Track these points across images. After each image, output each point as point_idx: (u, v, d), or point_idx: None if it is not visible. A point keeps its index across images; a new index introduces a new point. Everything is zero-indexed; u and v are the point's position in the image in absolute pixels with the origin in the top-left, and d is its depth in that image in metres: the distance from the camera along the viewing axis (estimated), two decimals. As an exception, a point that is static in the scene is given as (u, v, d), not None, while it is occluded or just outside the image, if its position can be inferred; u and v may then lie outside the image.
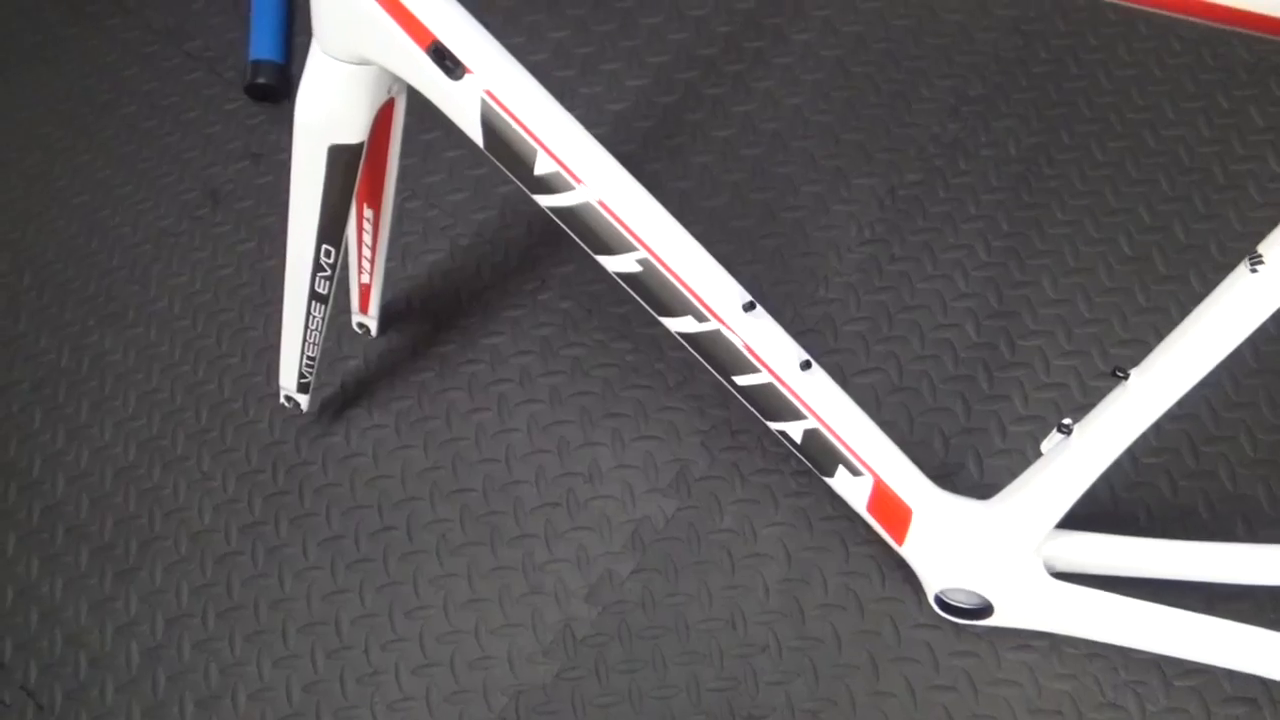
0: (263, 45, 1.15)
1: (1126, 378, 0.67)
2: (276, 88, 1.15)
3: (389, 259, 0.97)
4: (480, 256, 1.09)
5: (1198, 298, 0.64)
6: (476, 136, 0.65)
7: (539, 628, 0.92)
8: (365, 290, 0.99)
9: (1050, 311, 1.01)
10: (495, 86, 0.63)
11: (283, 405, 0.98)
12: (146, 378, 1.07)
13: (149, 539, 0.99)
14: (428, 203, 1.10)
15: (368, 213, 0.87)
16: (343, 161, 0.73)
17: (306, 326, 0.87)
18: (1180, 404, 0.65)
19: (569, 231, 0.68)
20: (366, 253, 0.92)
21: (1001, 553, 0.80)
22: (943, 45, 1.14)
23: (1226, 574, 0.80)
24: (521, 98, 0.64)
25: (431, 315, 1.07)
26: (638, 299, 0.70)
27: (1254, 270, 0.59)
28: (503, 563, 0.95)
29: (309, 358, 0.91)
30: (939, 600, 0.86)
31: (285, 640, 0.94)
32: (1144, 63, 1.11)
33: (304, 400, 0.97)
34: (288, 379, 0.94)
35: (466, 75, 0.62)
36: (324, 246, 0.79)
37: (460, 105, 0.64)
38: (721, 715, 0.87)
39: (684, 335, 0.71)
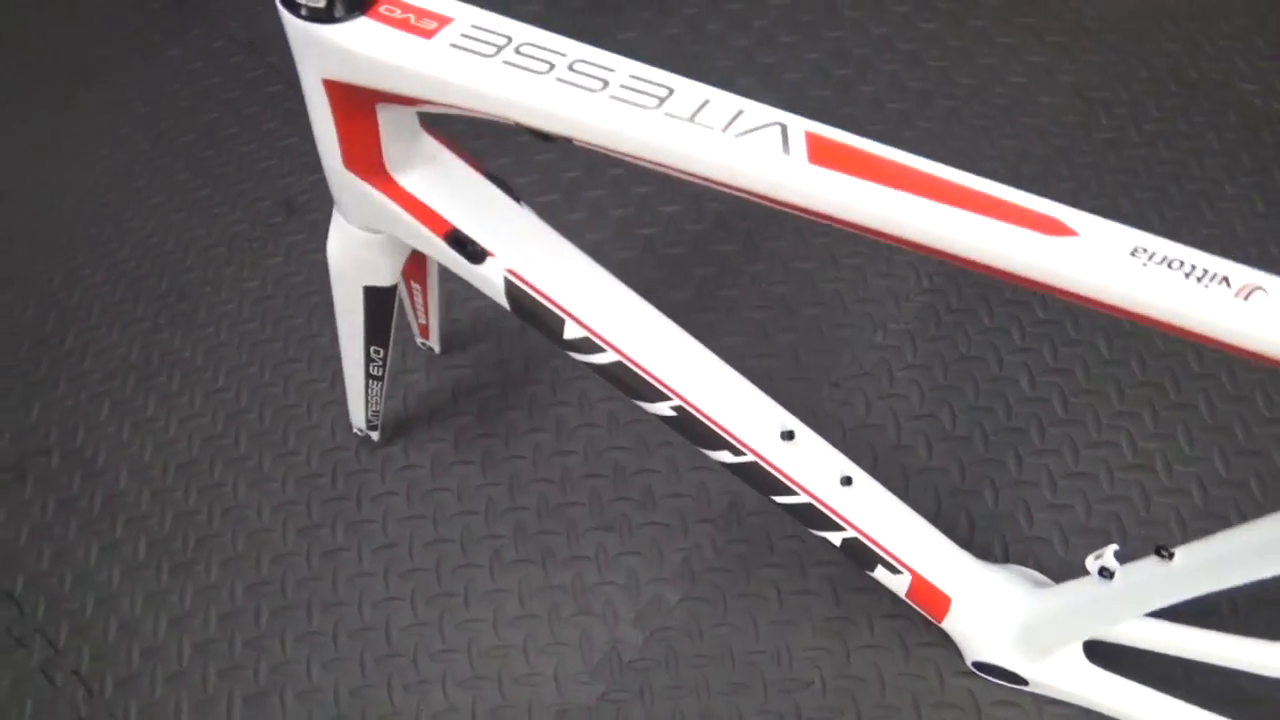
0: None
1: (1171, 557, 0.65)
2: (357, 105, 1.18)
3: (451, 280, 0.99)
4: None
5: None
6: (503, 304, 0.68)
7: (586, 648, 0.94)
8: (424, 328, 1.02)
9: (1103, 371, 1.03)
10: (518, 265, 0.65)
11: (354, 433, 1.02)
12: (213, 377, 1.09)
13: (207, 535, 1.01)
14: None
15: (415, 286, 0.92)
16: (378, 298, 0.76)
17: (368, 394, 0.91)
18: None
19: (603, 380, 0.70)
20: (419, 308, 0.96)
21: (1040, 644, 0.81)
22: (1005, 105, 1.17)
23: (1258, 666, 0.81)
24: (545, 274, 0.66)
25: (494, 335, 1.09)
26: (681, 434, 0.72)
27: None
28: (553, 582, 0.97)
29: (374, 410, 0.95)
30: (976, 664, 0.87)
31: (335, 643, 0.95)
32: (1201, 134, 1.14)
33: (375, 434, 1.00)
34: (357, 421, 0.99)
35: (489, 258, 0.65)
36: (373, 347, 0.83)
37: (485, 281, 0.66)
38: (763, 748, 0.89)
39: (724, 465, 0.73)
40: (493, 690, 0.92)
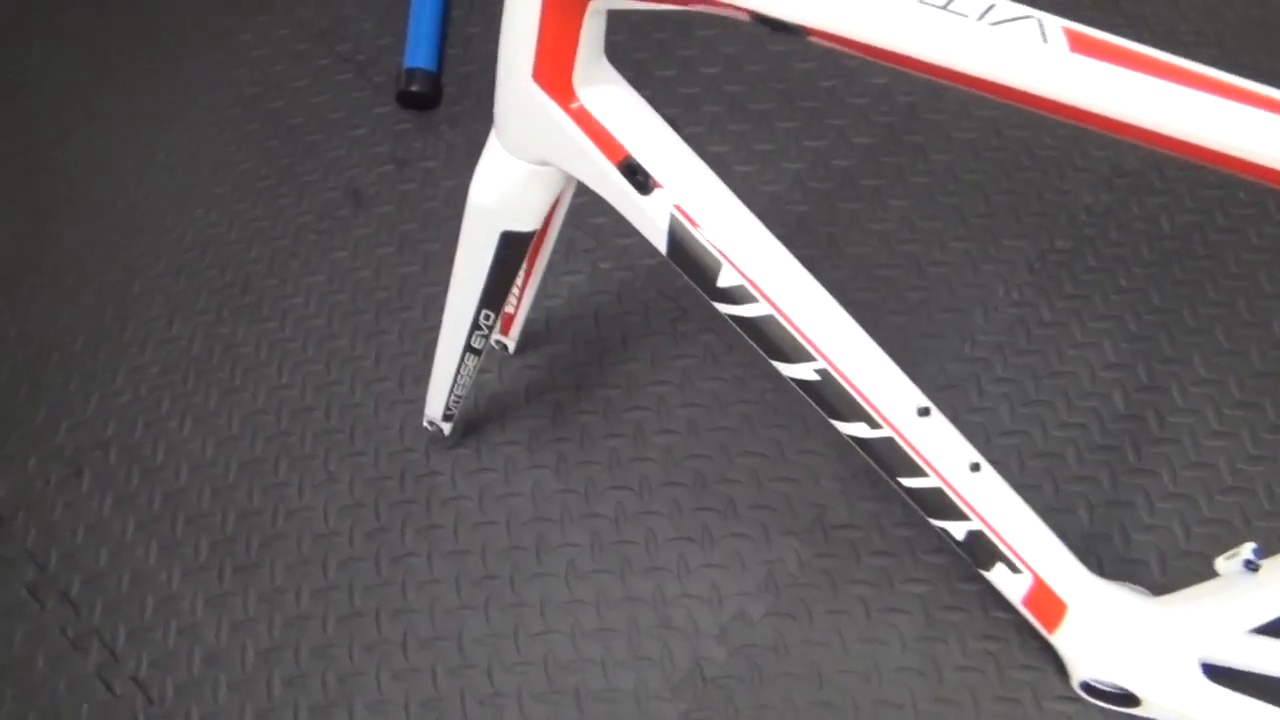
0: (418, 54, 1.16)
1: None
2: (429, 96, 1.15)
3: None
4: (620, 282, 1.08)
5: None
6: (661, 245, 0.63)
7: (668, 664, 0.90)
8: (509, 318, 0.98)
9: (1200, 391, 0.99)
10: (685, 201, 0.61)
11: (424, 427, 0.98)
12: (277, 372, 1.06)
13: (271, 536, 0.98)
14: (571, 224, 1.10)
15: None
16: (515, 245, 0.71)
17: (458, 373, 0.86)
18: None
19: (744, 336, 0.66)
20: (516, 291, 0.92)
21: (1159, 659, 0.78)
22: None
23: None
24: (712, 213, 0.62)
25: (569, 336, 1.06)
26: (809, 402, 0.69)
27: None
28: (632, 594, 0.93)
29: (457, 395, 0.90)
30: (1084, 685, 0.84)
31: (405, 653, 0.92)
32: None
33: (447, 427, 0.96)
34: (434, 410, 0.93)
35: (657, 190, 0.61)
36: (484, 311, 0.78)
37: (648, 217, 0.62)
38: (855, 773, 0.85)
39: (855, 439, 0.69)
40: (570, 707, 0.89)
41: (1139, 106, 0.45)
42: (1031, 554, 0.75)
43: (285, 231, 1.13)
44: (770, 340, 0.65)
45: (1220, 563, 0.71)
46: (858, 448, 0.70)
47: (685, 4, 0.51)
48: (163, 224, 1.16)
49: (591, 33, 0.56)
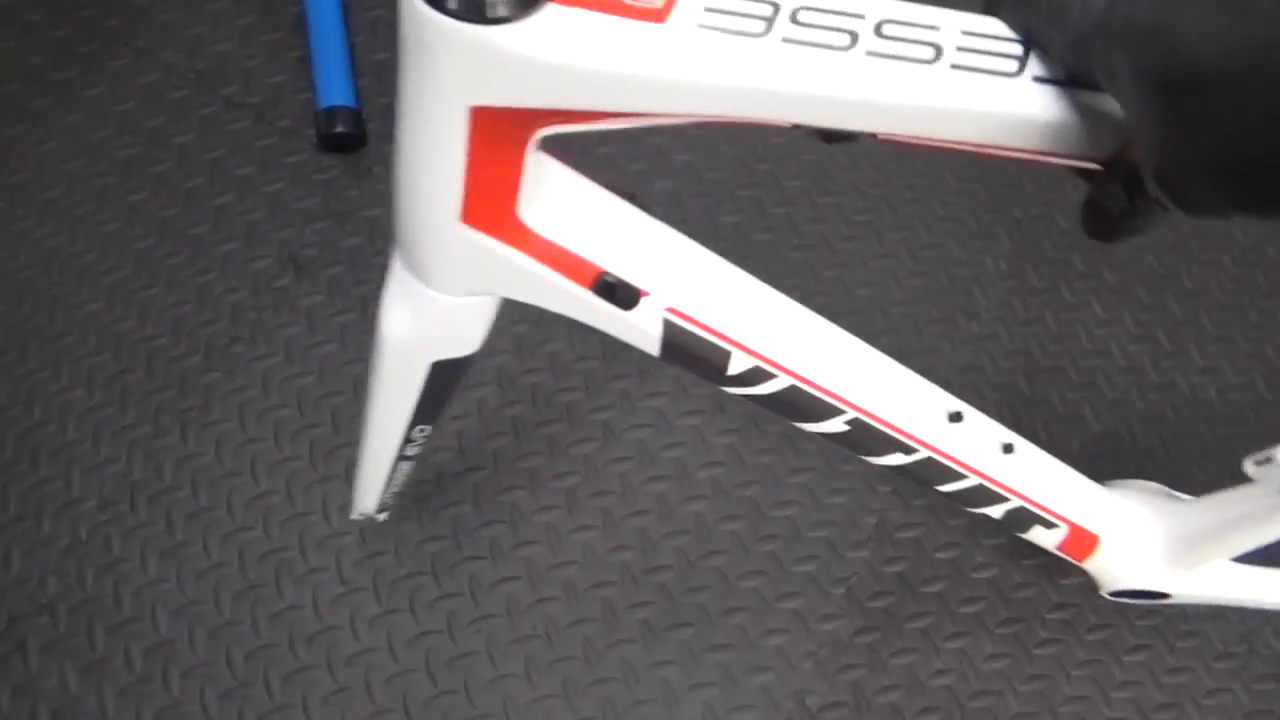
0: (333, 90, 1.02)
1: None
2: (355, 136, 1.02)
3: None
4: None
5: None
6: (654, 352, 0.54)
7: (769, 706, 0.86)
8: None
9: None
10: (679, 300, 0.52)
11: (352, 518, 0.87)
12: (251, 480, 0.91)
13: (293, 670, 0.85)
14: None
15: None
16: (449, 371, 0.59)
17: (391, 476, 0.75)
18: None
19: (763, 409, 0.59)
20: None
21: (1186, 564, 0.80)
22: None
23: None
24: (711, 301, 0.53)
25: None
26: (839, 447, 0.63)
27: None
28: (716, 642, 0.88)
29: (394, 492, 0.80)
30: (1113, 592, 0.85)
31: (492, 765, 0.82)
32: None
33: (381, 516, 0.85)
34: (367, 505, 0.81)
35: (643, 299, 0.51)
36: (418, 427, 0.67)
37: (637, 330, 0.52)
38: (980, 770, 0.85)
39: (892, 468, 0.65)
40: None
41: None
42: (1065, 508, 0.74)
43: (216, 315, 0.97)
44: (794, 409, 0.58)
45: (1251, 468, 0.70)
46: (894, 473, 0.65)
47: (707, 120, 0.40)
48: (51, 329, 0.96)
49: (535, 160, 0.45)
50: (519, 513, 0.91)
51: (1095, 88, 0.36)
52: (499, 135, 0.41)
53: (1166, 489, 0.83)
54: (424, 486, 0.91)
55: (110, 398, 0.93)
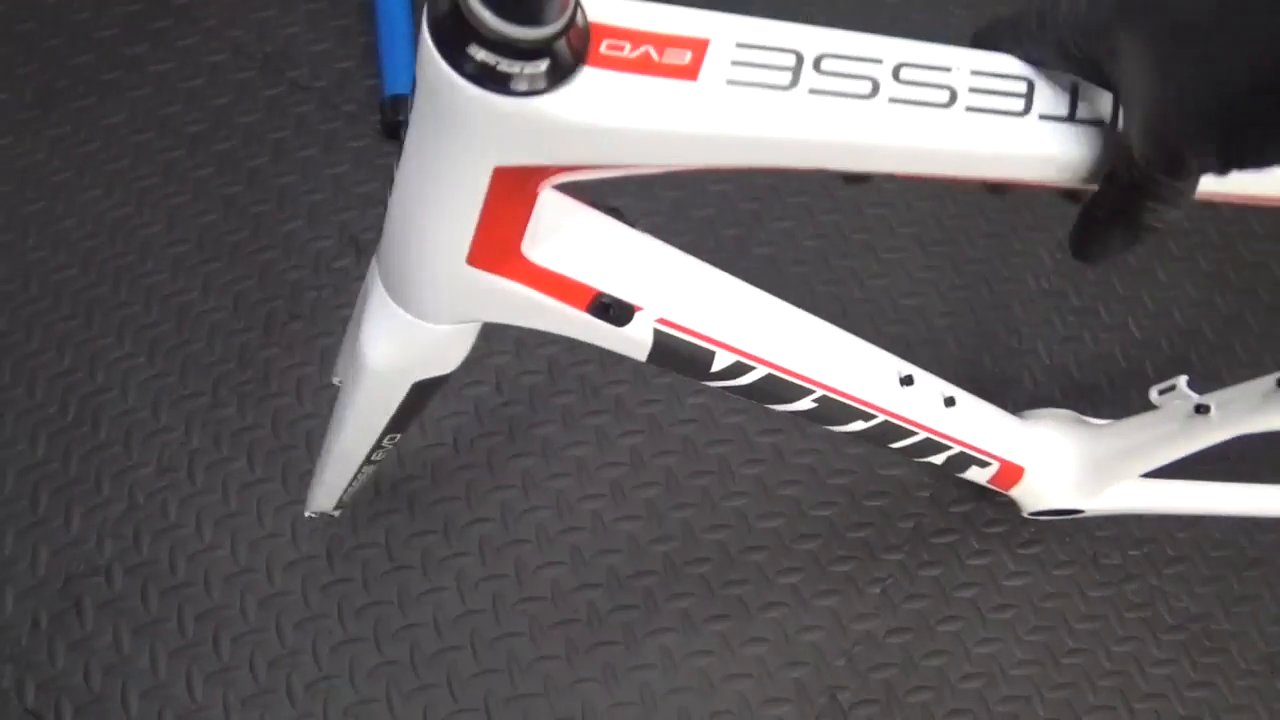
0: (399, 79, 1.04)
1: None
2: (418, 126, 1.04)
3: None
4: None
5: None
6: (640, 358, 0.56)
7: (803, 700, 0.88)
8: None
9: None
10: (669, 311, 0.54)
11: (308, 516, 0.87)
12: (304, 453, 0.93)
13: (342, 641, 0.87)
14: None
15: None
16: (428, 387, 0.60)
17: (355, 478, 0.75)
18: None
19: (737, 395, 0.61)
20: None
21: (1099, 484, 0.85)
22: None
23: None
24: (697, 308, 0.55)
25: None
26: (803, 419, 0.66)
27: None
28: (753, 634, 0.90)
29: (354, 491, 0.80)
30: (1033, 513, 0.90)
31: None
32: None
33: (336, 513, 0.86)
34: (325, 504, 0.81)
35: (636, 314, 0.53)
36: (390, 435, 0.67)
37: (630, 341, 0.54)
38: (1007, 772, 0.87)
39: (851, 434, 0.68)
40: (721, 763, 0.85)
41: None
42: (997, 447, 0.78)
43: (276, 292, 0.99)
44: (768, 394, 0.61)
45: (1155, 396, 0.76)
46: (854, 438, 0.69)
47: (732, 169, 0.40)
48: (115, 298, 0.98)
49: (543, 200, 0.46)
50: (510, 510, 0.93)
51: (1095, 82, 0.39)
52: (517, 186, 0.42)
53: (1078, 415, 0.87)
54: (416, 482, 0.93)
55: (170, 367, 0.96)
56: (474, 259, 0.46)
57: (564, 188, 0.49)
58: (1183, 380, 0.73)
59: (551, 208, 0.49)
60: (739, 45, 0.37)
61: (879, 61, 0.38)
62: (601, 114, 0.36)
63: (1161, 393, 0.75)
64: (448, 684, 0.86)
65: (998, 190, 0.44)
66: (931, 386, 0.70)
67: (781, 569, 0.93)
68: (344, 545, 0.90)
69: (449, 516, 0.92)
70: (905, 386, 0.67)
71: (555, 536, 0.92)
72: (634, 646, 0.89)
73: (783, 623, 0.91)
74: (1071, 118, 0.40)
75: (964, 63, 0.39)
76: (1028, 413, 0.87)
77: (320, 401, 0.95)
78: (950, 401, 0.71)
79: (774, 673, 0.89)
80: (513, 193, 0.42)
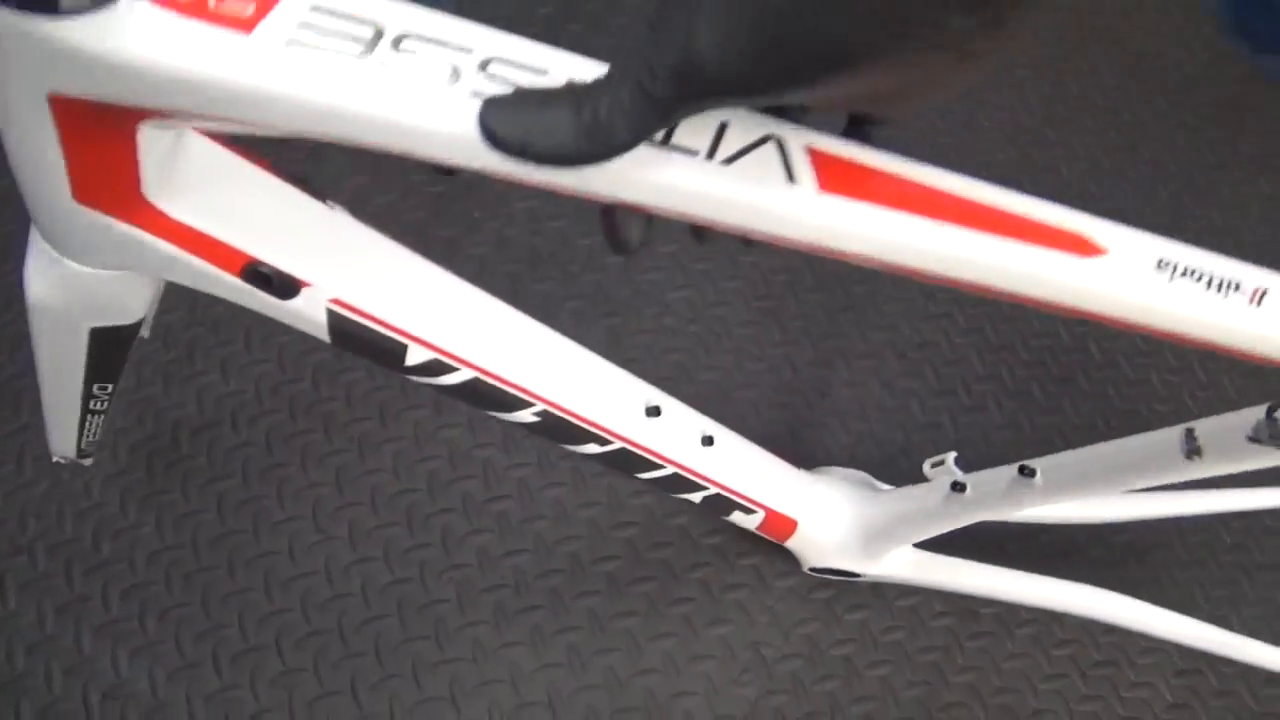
0: None
1: (1034, 476, 0.69)
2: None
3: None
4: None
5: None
6: (324, 338, 0.54)
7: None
8: None
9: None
10: (344, 292, 0.51)
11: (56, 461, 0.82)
12: (231, 430, 0.94)
13: (266, 615, 0.87)
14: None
15: None
16: (114, 337, 0.58)
17: (84, 428, 0.72)
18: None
19: (451, 398, 0.60)
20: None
21: (874, 547, 0.86)
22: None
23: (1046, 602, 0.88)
24: (382, 295, 0.53)
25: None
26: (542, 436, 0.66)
27: (1189, 458, 0.59)
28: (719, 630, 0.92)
29: (91, 440, 0.76)
30: (812, 569, 0.91)
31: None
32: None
33: (88, 461, 0.82)
34: (64, 449, 0.77)
35: (304, 289, 0.51)
36: (98, 385, 0.65)
37: (301, 318, 0.52)
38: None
39: (589, 456, 0.67)
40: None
41: (899, 251, 0.39)
42: (763, 495, 0.79)
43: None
44: (480, 399, 0.59)
45: (928, 469, 0.76)
46: (596, 461, 0.69)
47: (313, 138, 0.38)
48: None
49: (163, 148, 0.44)
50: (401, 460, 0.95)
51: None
52: (93, 121, 0.40)
53: (869, 478, 0.89)
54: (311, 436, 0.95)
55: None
56: (80, 195, 0.44)
57: (240, 147, 0.50)
58: (951, 456, 0.73)
59: (202, 160, 0.48)
60: (314, 9, 0.36)
61: (469, 50, 0.37)
62: (131, 50, 0.35)
63: (933, 465, 0.75)
64: (375, 652, 0.87)
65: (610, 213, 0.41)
66: (687, 422, 0.71)
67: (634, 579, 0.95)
68: (271, 518, 0.91)
69: (376, 488, 0.93)
70: (651, 417, 0.67)
71: (481, 506, 0.94)
72: (504, 625, 0.90)
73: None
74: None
75: (563, 68, 0.37)
76: (820, 469, 0.89)
77: (246, 378, 0.96)
78: (709, 440, 0.72)
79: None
80: (92, 127, 0.40)
